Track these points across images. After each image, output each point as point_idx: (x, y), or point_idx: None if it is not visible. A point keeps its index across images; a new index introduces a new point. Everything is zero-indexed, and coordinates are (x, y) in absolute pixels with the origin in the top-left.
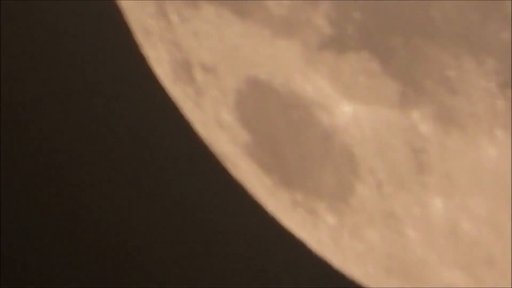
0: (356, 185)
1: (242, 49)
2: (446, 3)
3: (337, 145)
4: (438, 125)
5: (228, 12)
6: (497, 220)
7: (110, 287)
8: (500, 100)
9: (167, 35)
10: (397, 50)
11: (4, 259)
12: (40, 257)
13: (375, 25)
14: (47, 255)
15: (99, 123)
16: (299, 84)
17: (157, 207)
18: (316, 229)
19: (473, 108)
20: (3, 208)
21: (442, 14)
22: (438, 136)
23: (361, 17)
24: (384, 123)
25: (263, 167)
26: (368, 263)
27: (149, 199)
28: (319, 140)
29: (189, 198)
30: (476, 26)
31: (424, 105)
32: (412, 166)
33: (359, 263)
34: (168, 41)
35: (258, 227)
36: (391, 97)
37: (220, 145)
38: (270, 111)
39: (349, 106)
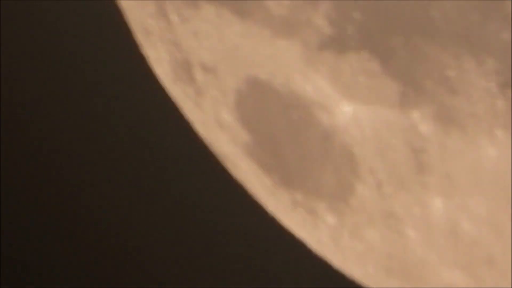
0: (356, 185)
1: (242, 49)
2: (446, 3)
3: (337, 145)
4: (438, 125)
5: (228, 12)
6: (497, 220)
7: (110, 287)
8: (500, 100)
9: (167, 35)
10: (397, 50)
11: (4, 259)
12: (40, 257)
13: (375, 25)
14: (47, 255)
15: (99, 123)
16: (299, 84)
17: (157, 207)
18: (316, 229)
19: (473, 108)
20: (3, 208)
21: (442, 14)
22: (438, 136)
23: (361, 17)
24: (384, 123)
25: (263, 167)
26: (368, 263)
27: (149, 199)
28: (319, 140)
29: (189, 198)
30: (476, 26)
31: (424, 105)
32: (412, 166)
33: (359, 263)
34: (168, 41)
35: (258, 227)
36: (391, 97)
37: (220, 145)
38: (270, 111)
39: (349, 106)
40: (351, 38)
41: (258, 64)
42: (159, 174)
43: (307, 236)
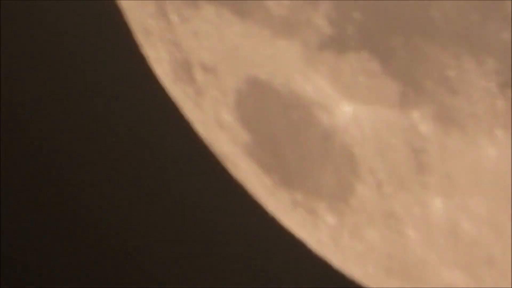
0: (356, 185)
1: (242, 49)
2: (446, 3)
3: (337, 145)
4: (438, 125)
5: (228, 12)
6: (497, 220)
7: (110, 287)
8: (500, 100)
9: (167, 35)
10: (397, 50)
11: (4, 259)
12: (40, 257)
13: (375, 25)
14: (47, 255)
15: (99, 123)
16: (299, 84)
17: (157, 207)
18: (316, 229)
19: (473, 108)
20: (3, 208)
21: (442, 14)
22: (438, 136)
23: (361, 17)
24: (384, 123)
25: (263, 167)
26: (368, 263)
27: (148, 199)
28: (319, 140)
29: (189, 198)
30: (476, 26)
31: (424, 105)
32: (412, 166)
33: (359, 263)
34: (168, 41)
35: (258, 227)
36: (391, 97)
37: (220, 145)
38: (270, 111)
39: (349, 106)
40: (351, 38)
41: (258, 64)
42: (159, 174)
43: (307, 236)
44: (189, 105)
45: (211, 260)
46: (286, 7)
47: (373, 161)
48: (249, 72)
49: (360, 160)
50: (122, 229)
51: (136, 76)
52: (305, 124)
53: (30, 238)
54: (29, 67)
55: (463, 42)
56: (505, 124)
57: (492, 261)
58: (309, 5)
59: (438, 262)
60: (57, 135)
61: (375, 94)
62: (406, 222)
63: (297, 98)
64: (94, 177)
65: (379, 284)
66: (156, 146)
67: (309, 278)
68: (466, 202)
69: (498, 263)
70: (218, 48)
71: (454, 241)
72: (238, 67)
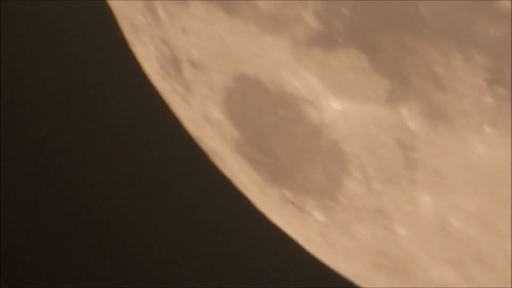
0: (345, 181)
1: (231, 45)
2: None
3: (326, 141)
4: (426, 122)
5: (217, 9)
6: (486, 216)
7: (109, 287)
8: (489, 97)
9: (156, 32)
10: (386, 46)
11: (4, 259)
12: (40, 257)
13: (363, 22)
14: (47, 255)
15: (87, 119)
16: (288, 80)
17: (146, 204)
18: (305, 226)
19: (461, 104)
20: (3, 208)
21: (431, 10)
22: (426, 132)
23: (349, 14)
24: (373, 119)
25: (252, 164)
26: (357, 259)
27: (137, 196)
28: (308, 136)
29: (177, 194)
30: (465, 22)
31: (412, 102)
32: (401, 162)
33: (348, 259)
34: (157, 37)
35: (247, 224)
36: (380, 93)
37: (208, 142)
38: (258, 108)
39: (337, 102)
40: (340, 35)
41: (246, 60)
42: (147, 171)
43: (296, 232)
44: (177, 101)
45: (198, 256)
46: (274, 4)
47: (362, 157)
48: (238, 69)
49: (349, 156)
50: (113, 225)
51: (124, 72)
52: (294, 120)
53: (30, 238)
54: (17, 63)
55: (452, 38)
56: (493, 120)
57: (481, 257)
58: (297, 1)
59: (427, 258)
60: (44, 132)
61: (364, 90)
62: (395, 218)
63: (285, 94)
64: (83, 174)
65: (369, 280)
66: (145, 143)
67: (298, 274)
68: (455, 198)
69: (487, 259)
70: (206, 44)
71: (443, 237)
72: (226, 64)
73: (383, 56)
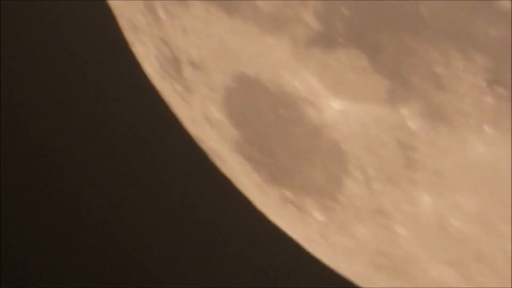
0: (345, 181)
1: (231, 45)
2: None
3: (326, 141)
4: (426, 122)
5: (217, 9)
6: (486, 216)
7: (109, 287)
8: (489, 97)
9: (156, 32)
10: (386, 46)
11: (4, 259)
12: (40, 257)
13: (363, 21)
14: (47, 255)
15: (87, 120)
16: (288, 80)
17: (145, 205)
18: (305, 226)
19: (461, 104)
20: (3, 208)
21: (431, 10)
22: (426, 132)
23: (349, 13)
24: (373, 119)
25: (252, 164)
26: (357, 259)
27: (137, 195)
28: (308, 136)
29: (177, 194)
30: (465, 22)
31: (412, 101)
32: (401, 162)
33: (348, 259)
34: (157, 37)
35: (247, 224)
36: (380, 93)
37: (208, 142)
38: (259, 108)
39: (337, 102)
40: (340, 35)
41: (246, 60)
42: (147, 171)
43: (296, 232)
44: (177, 101)
45: (198, 256)
46: (274, 4)
47: (362, 157)
48: (238, 69)
49: (348, 156)
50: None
51: (124, 72)
52: (294, 120)
53: (30, 238)
54: (17, 63)
55: (452, 38)
56: (493, 120)
57: (481, 257)
58: (297, 1)
59: (427, 258)
60: (44, 132)
61: (364, 90)
62: (395, 218)
63: (285, 94)
64: (83, 174)
65: (369, 280)
66: (145, 143)
67: (298, 274)
68: (455, 198)
69: (487, 259)
70: (206, 44)
71: (443, 237)
72: (226, 64)
73: (383, 56)
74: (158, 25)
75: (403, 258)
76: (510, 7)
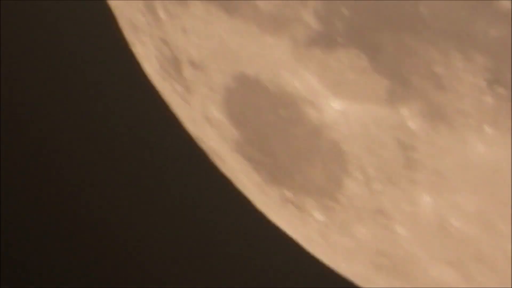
0: (345, 181)
1: (231, 45)
2: None
3: (326, 141)
4: (426, 122)
5: (217, 9)
6: (486, 216)
7: (109, 287)
8: (489, 97)
9: (156, 32)
10: (386, 46)
11: (4, 259)
12: (40, 257)
13: (363, 21)
14: (47, 255)
15: (87, 120)
16: (288, 80)
17: (145, 205)
18: (305, 226)
19: (461, 104)
20: (3, 208)
21: (431, 10)
22: (426, 132)
23: (349, 13)
24: (373, 119)
25: (252, 164)
26: (357, 259)
27: (136, 196)
28: (308, 136)
29: (178, 195)
30: (465, 22)
31: (412, 101)
32: (401, 162)
33: (348, 259)
34: (157, 37)
35: (247, 224)
36: (380, 93)
37: (208, 142)
38: (259, 108)
39: (337, 102)
40: (340, 35)
41: (246, 60)
42: (147, 171)
43: (296, 232)
44: (177, 101)
45: (198, 256)
46: (274, 4)
47: (362, 157)
48: (238, 69)
49: (348, 156)
50: (113, 225)
51: (124, 72)
52: (294, 120)
53: (30, 238)
54: (17, 63)
55: (452, 38)
56: (493, 120)
57: (481, 257)
58: (297, 1)
59: (427, 258)
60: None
61: (364, 90)
62: (395, 218)
63: (285, 94)
64: (82, 173)
65: (369, 280)
66: (145, 143)
67: (298, 274)
68: (455, 198)
69: (487, 259)
70: (206, 44)
71: (443, 237)
72: (226, 64)
73: (383, 56)
74: (158, 25)
75: (403, 258)
76: (510, 7)
